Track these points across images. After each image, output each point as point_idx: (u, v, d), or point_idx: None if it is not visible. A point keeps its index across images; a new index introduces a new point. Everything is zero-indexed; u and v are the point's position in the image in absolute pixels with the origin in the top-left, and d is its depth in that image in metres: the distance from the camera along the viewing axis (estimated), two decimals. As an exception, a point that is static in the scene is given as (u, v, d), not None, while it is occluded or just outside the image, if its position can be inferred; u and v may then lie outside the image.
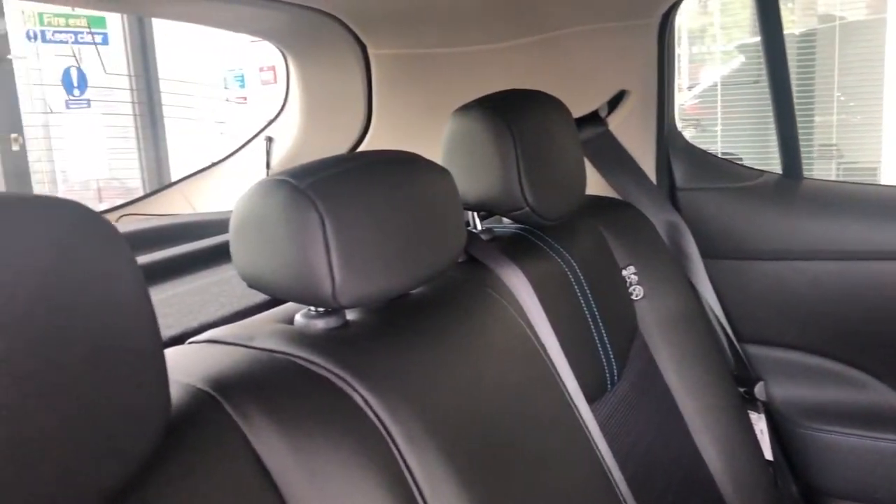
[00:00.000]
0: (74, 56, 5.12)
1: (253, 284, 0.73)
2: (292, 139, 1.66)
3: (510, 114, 1.01)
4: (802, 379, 1.43)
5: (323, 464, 0.59)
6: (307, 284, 0.68)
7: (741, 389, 1.36)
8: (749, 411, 1.34)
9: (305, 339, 0.71)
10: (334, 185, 0.69)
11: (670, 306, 1.25)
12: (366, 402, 0.66)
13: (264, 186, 0.71)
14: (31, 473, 0.39)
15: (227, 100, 5.60)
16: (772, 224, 1.42)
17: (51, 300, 0.40)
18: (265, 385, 0.62)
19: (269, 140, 1.68)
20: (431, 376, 0.73)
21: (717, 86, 4.16)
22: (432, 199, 0.78)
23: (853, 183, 1.44)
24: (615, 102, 1.46)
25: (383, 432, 0.65)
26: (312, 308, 0.75)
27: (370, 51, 1.47)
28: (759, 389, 1.36)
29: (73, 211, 0.43)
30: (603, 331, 1.11)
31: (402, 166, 0.78)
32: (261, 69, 5.35)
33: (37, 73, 5.16)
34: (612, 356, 1.11)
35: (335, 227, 0.67)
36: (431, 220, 0.77)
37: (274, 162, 1.67)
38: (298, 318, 0.75)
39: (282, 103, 1.68)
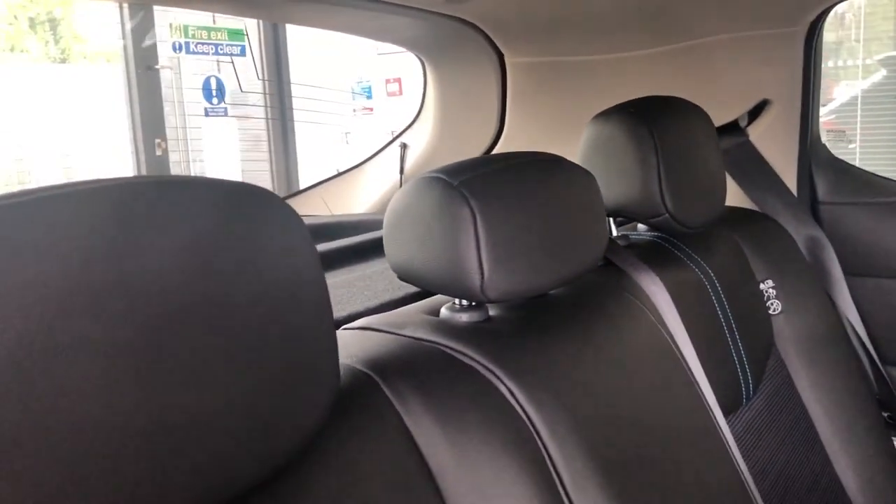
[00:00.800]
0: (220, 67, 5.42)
1: (404, 276, 0.76)
2: (425, 145, 1.71)
3: (651, 119, 1.01)
4: (953, 406, 1.34)
5: (472, 447, 0.62)
6: (457, 277, 0.70)
7: (885, 414, 1.30)
8: (893, 437, 1.27)
9: (452, 329, 0.73)
10: (485, 183, 0.72)
11: (810, 323, 1.21)
12: (511, 393, 0.68)
13: (419, 183, 0.74)
14: (209, 435, 0.42)
15: (354, 110, 5.78)
16: None
17: (240, 273, 0.44)
18: (417, 369, 0.65)
19: (404, 146, 1.73)
20: (574, 373, 0.74)
21: (856, 100, 3.97)
22: (577, 200, 0.80)
23: None
24: (756, 112, 1.42)
25: (528, 424, 0.67)
26: (457, 302, 0.78)
27: (507, 59, 1.50)
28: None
29: (257, 193, 0.47)
30: (739, 343, 1.09)
31: (548, 166, 0.79)
32: (387, 81, 5.49)
33: (179, 81, 5.49)
34: (747, 370, 1.09)
35: (486, 223, 0.69)
36: (576, 221, 0.79)
37: (407, 168, 1.72)
38: (444, 311, 0.78)
39: (417, 111, 1.73)
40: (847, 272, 1.36)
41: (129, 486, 0.39)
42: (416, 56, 1.62)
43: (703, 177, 1.07)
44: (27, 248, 0.37)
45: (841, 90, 4.14)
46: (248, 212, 0.46)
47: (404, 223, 0.74)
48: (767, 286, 1.22)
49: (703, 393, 0.92)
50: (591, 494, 0.66)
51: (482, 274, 0.69)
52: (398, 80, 5.40)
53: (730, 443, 0.92)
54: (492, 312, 0.80)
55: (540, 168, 0.78)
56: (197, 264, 0.42)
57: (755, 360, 1.11)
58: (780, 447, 1.09)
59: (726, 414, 0.99)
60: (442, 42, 1.53)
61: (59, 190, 0.39)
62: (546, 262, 0.74)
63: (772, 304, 1.22)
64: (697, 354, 0.95)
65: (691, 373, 0.93)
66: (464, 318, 0.76)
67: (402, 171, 1.72)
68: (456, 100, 1.65)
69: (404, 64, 5.00)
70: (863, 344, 1.36)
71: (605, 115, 1.04)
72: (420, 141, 1.72)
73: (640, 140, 1.00)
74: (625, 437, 0.74)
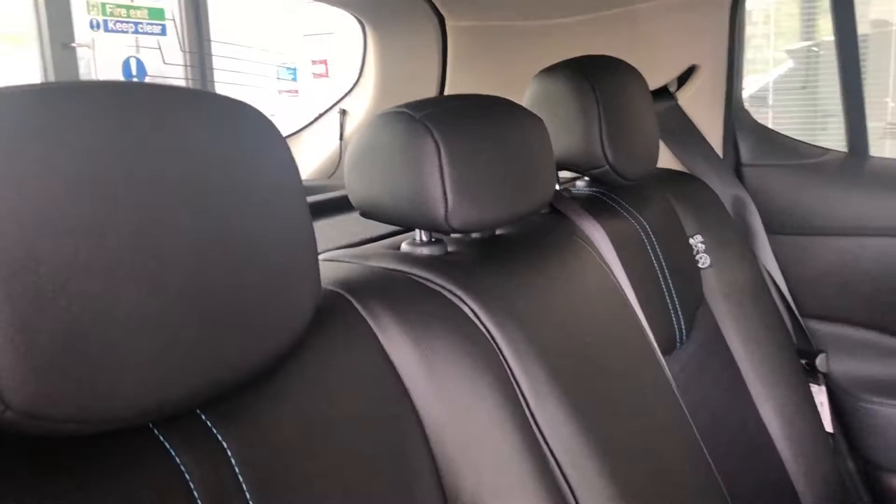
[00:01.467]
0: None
1: (367, 212, 0.78)
2: (365, 112, 1.72)
3: (593, 75, 1.06)
4: (864, 354, 1.44)
5: (441, 362, 0.65)
6: (422, 208, 0.73)
7: (802, 361, 1.39)
8: (810, 384, 1.36)
9: (416, 260, 0.76)
10: (448, 117, 0.74)
11: (736, 277, 1.28)
12: (475, 314, 0.71)
13: (382, 119, 0.76)
14: (209, 325, 0.44)
15: (280, 91, 5.71)
16: (837, 200, 1.44)
17: (232, 179, 0.46)
18: (387, 292, 0.67)
19: (343, 113, 1.74)
20: (530, 299, 0.78)
21: (767, 90, 4.15)
22: (530, 141, 0.83)
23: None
24: (685, 78, 1.49)
25: (492, 342, 0.70)
26: (417, 238, 0.80)
27: (448, 23, 1.52)
28: (820, 361, 1.38)
29: (250, 111, 0.49)
30: (673, 292, 1.15)
31: (505, 108, 0.82)
32: (313, 62, 5.44)
33: (96, 61, 5.30)
34: (681, 317, 1.15)
35: (449, 155, 0.72)
36: (530, 161, 0.82)
37: (347, 134, 1.73)
38: (404, 245, 0.80)
39: (356, 77, 1.74)
40: (769, 230, 1.45)
41: (132, 372, 0.40)
42: (357, 18, 1.63)
43: (639, 132, 1.12)
44: (35, 136, 0.38)
45: (753, 81, 4.33)
46: (243, 125, 0.48)
47: (368, 158, 0.76)
48: (697, 241, 1.28)
49: (645, 330, 0.98)
50: (550, 407, 0.70)
51: (446, 204, 0.72)
52: (324, 62, 5.36)
53: (669, 377, 0.97)
54: (449, 248, 0.83)
55: (497, 109, 0.82)
56: (197, 170, 0.43)
57: (687, 309, 1.17)
58: (711, 390, 1.15)
59: (663, 354, 1.05)
60: (382, 4, 1.55)
61: (67, 84, 0.40)
62: (505, 195, 0.77)
63: (700, 258, 1.29)
64: (636, 299, 1.01)
65: (634, 312, 0.98)
66: (424, 251, 0.79)
67: (341, 138, 1.73)
68: (396, 64, 1.66)
69: (330, 47, 4.94)
70: (783, 297, 1.44)
71: (549, 71, 1.08)
72: (360, 106, 1.74)
73: (582, 94, 1.04)
74: (579, 359, 0.79)
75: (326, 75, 5.44)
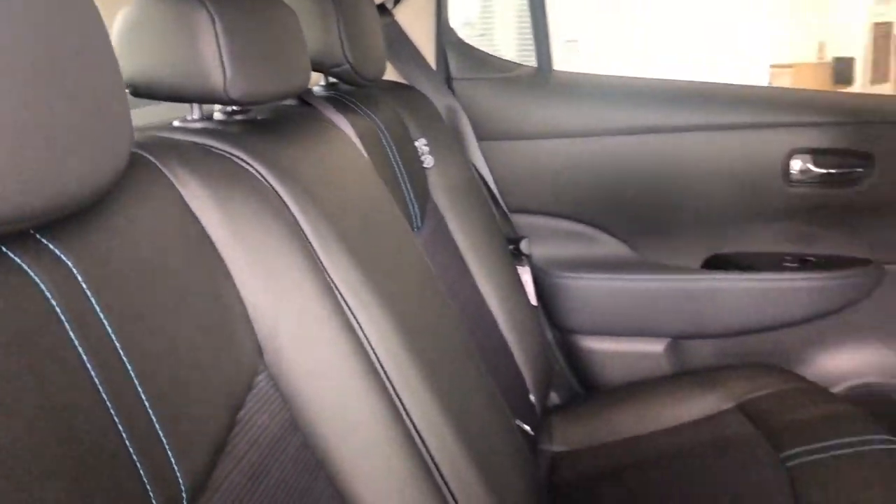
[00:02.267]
0: None
1: (141, 90, 0.79)
2: None
3: None
4: (556, 238, 1.71)
5: (241, 217, 0.70)
6: (200, 80, 0.76)
7: (511, 247, 1.61)
8: (517, 266, 1.59)
9: (195, 132, 0.80)
10: None
11: (454, 176, 1.45)
12: (259, 173, 0.77)
13: None
14: (30, 148, 0.44)
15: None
16: (529, 109, 1.67)
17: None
18: (183, 155, 0.70)
19: None
20: (311, 167, 0.86)
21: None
22: (291, 27, 0.89)
23: (595, 74, 1.73)
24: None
25: (278, 195, 0.77)
26: (190, 115, 0.83)
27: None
28: (524, 245, 1.62)
29: None
30: (408, 185, 1.28)
31: None
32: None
33: None
34: (416, 208, 1.29)
35: (224, 25, 0.76)
36: (293, 43, 0.88)
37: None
38: (176, 123, 0.83)
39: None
40: (478, 136, 1.64)
41: None
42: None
43: (372, 35, 1.22)
44: None
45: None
46: None
47: (139, 35, 0.77)
48: (421, 144, 1.43)
49: (397, 208, 1.09)
50: (341, 263, 0.79)
51: (224, 73, 0.76)
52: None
53: (421, 248, 1.10)
54: (220, 126, 0.86)
55: None
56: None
57: (419, 202, 1.31)
58: (443, 272, 1.31)
59: None
60: None
61: None
62: (277, 71, 0.83)
63: (425, 159, 1.43)
64: None
65: (388, 193, 1.09)
66: (197, 125, 0.82)
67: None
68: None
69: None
70: (492, 193, 1.66)
71: None
72: None
73: None
74: (356, 223, 0.88)
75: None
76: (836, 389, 1.60)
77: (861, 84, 8.59)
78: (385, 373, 0.80)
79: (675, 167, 1.65)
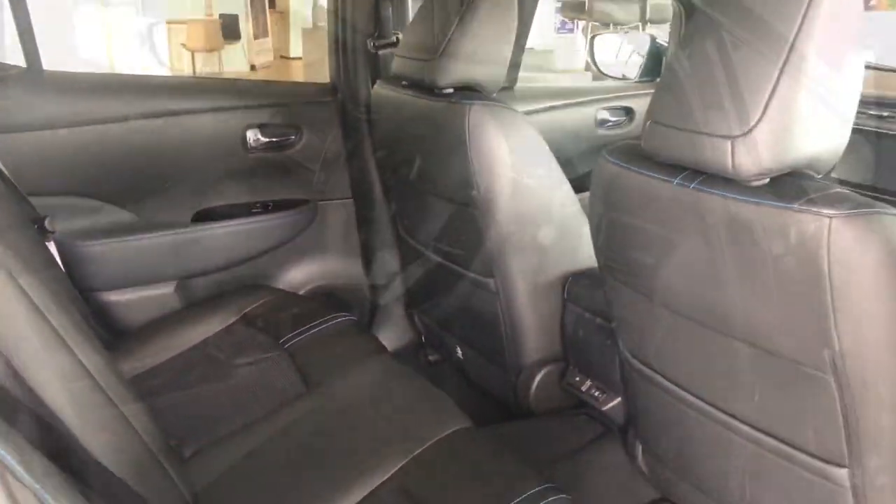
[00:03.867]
0: None
1: None
2: None
3: None
4: (74, 213, 1.98)
5: None
6: None
7: (35, 226, 1.84)
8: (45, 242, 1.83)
9: None
10: None
11: None
12: None
13: None
14: None
15: None
16: (23, 104, 1.89)
17: None
18: None
19: None
20: None
21: None
22: None
23: (84, 73, 2.02)
24: None
25: None
26: None
27: None
28: (47, 223, 1.86)
29: None
30: None
31: None
32: None
33: None
34: None
35: None
36: None
37: None
38: None
39: None
40: None
41: None
42: None
43: None
44: None
45: None
46: None
47: None
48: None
49: None
50: None
51: None
52: None
53: None
54: None
55: None
56: None
57: None
58: None
59: None
60: None
61: None
62: None
63: None
64: None
65: None
66: None
67: None
68: None
69: None
70: (9, 182, 1.85)
71: None
72: None
73: None
74: None
75: None
76: (302, 292, 2.27)
77: (246, 38, 9.68)
78: None
79: (161, 146, 2.07)
